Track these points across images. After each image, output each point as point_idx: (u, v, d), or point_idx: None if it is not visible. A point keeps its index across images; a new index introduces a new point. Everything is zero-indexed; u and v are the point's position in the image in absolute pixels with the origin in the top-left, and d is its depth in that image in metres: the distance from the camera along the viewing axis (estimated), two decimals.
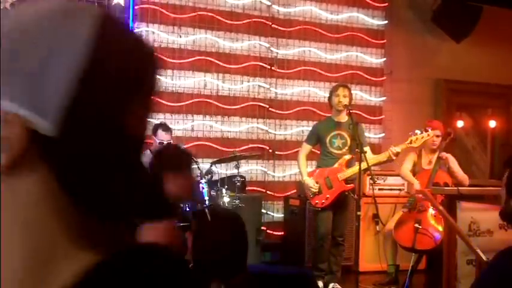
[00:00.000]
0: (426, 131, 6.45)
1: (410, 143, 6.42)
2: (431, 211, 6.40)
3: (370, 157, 6.42)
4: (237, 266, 2.74)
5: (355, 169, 6.40)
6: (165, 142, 6.80)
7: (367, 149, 6.56)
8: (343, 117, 6.59)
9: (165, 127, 6.91)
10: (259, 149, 8.13)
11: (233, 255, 2.71)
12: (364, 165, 6.15)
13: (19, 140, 0.75)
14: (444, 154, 6.66)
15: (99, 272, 0.77)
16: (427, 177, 6.56)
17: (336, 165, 6.50)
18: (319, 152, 6.82)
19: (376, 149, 8.23)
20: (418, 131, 6.43)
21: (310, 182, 6.52)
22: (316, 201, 6.53)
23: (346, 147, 6.55)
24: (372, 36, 8.96)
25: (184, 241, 3.34)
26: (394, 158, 6.40)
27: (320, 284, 6.51)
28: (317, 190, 6.48)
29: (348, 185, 6.47)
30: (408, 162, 6.93)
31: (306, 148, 6.77)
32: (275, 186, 8.23)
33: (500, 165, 9.88)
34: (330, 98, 6.66)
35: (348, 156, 6.52)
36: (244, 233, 2.84)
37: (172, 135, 7.02)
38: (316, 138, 6.71)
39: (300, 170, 6.77)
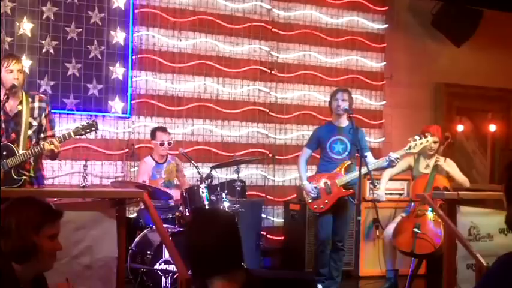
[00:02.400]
0: (425, 136, 6.42)
1: (410, 148, 6.40)
2: (430, 215, 6.39)
3: (371, 162, 6.40)
4: (233, 259, 2.73)
5: (353, 175, 6.39)
6: (166, 143, 6.83)
7: (368, 153, 6.53)
8: (344, 122, 6.57)
9: (163, 128, 7.03)
10: (259, 154, 8.13)
11: (225, 248, 2.71)
12: (364, 170, 6.13)
13: None
14: (440, 161, 6.62)
15: None
16: (425, 182, 6.54)
17: (335, 171, 6.49)
18: (319, 157, 6.80)
19: (376, 153, 8.22)
20: (417, 137, 6.39)
21: (309, 187, 6.50)
22: (315, 206, 6.51)
23: (346, 152, 6.52)
24: (372, 40, 8.96)
25: None
26: (394, 164, 6.38)
27: None
28: (316, 195, 6.47)
29: (347, 191, 6.46)
30: (397, 167, 6.89)
31: (306, 153, 6.75)
32: (275, 191, 8.23)
33: (501, 169, 9.89)
34: (330, 103, 6.65)
35: (347, 162, 6.50)
36: (235, 227, 2.84)
37: (172, 139, 7.05)
38: (316, 142, 6.69)
39: (300, 174, 6.75)
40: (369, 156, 6.52)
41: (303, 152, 6.80)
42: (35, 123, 5.14)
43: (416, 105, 9.28)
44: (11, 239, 2.80)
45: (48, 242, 2.89)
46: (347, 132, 6.50)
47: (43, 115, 5.19)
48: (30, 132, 5.11)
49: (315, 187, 6.47)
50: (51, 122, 5.28)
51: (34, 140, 5.14)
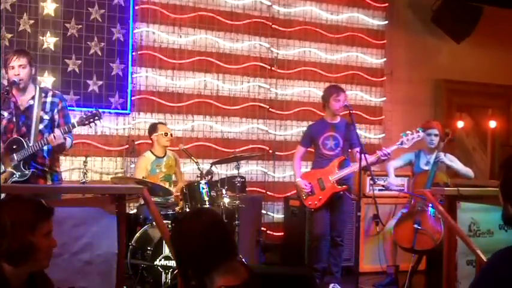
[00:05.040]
0: (417, 132, 6.47)
1: (401, 144, 6.46)
2: (430, 211, 6.40)
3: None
4: (223, 251, 2.75)
5: (347, 170, 6.46)
6: (169, 133, 6.84)
7: (359, 149, 6.59)
8: (336, 118, 6.61)
9: (162, 123, 7.12)
10: (259, 150, 8.13)
11: (212, 243, 2.73)
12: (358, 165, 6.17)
13: None
14: (441, 156, 6.62)
15: None
16: (426, 178, 6.54)
17: (328, 166, 6.52)
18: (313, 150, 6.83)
19: (376, 149, 8.21)
20: (409, 132, 6.47)
21: (302, 183, 6.56)
22: (309, 202, 6.56)
23: (339, 148, 6.56)
24: (372, 36, 8.95)
25: None
26: (384, 158, 6.41)
27: None
28: (309, 191, 6.51)
29: (340, 186, 6.49)
30: (400, 160, 6.95)
31: (300, 150, 6.80)
32: (275, 187, 8.23)
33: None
34: (326, 100, 6.62)
35: (341, 157, 6.54)
36: (216, 221, 2.87)
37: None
38: (310, 139, 6.74)
39: (294, 172, 6.82)
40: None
41: (297, 149, 6.86)
42: (46, 117, 5.14)
43: (417, 102, 9.28)
44: (6, 241, 2.74)
45: (45, 240, 2.83)
46: (340, 128, 6.54)
47: (55, 110, 5.18)
48: (41, 126, 5.11)
49: (309, 183, 6.51)
50: (65, 118, 5.22)
51: (47, 135, 5.12)
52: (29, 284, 2.90)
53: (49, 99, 5.19)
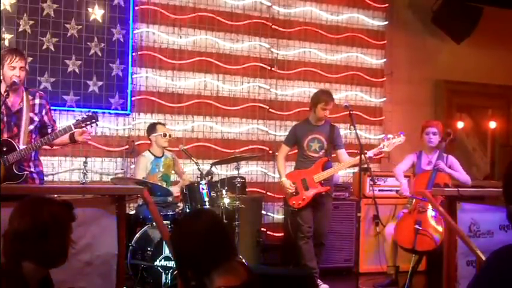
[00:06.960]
0: (399, 135, 6.55)
1: (382, 147, 6.55)
2: (431, 212, 6.39)
3: (347, 160, 6.65)
4: (223, 251, 2.75)
5: (330, 171, 6.63)
6: (167, 134, 6.85)
7: (343, 150, 6.75)
8: (321, 121, 6.70)
9: (161, 123, 7.12)
10: (259, 150, 8.13)
11: (212, 243, 2.73)
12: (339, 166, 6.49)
13: None
14: (440, 165, 6.60)
15: None
16: (427, 178, 6.54)
17: (313, 167, 6.63)
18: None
19: None
20: (390, 136, 6.59)
21: (287, 183, 6.65)
22: (293, 202, 6.66)
23: (323, 150, 6.66)
24: (372, 37, 8.95)
25: None
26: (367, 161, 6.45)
27: None
28: (294, 191, 6.55)
29: (324, 187, 6.60)
30: (404, 163, 6.96)
31: (284, 149, 6.92)
32: (275, 187, 8.21)
33: (501, 166, 9.89)
34: (314, 105, 6.67)
35: (325, 159, 6.64)
36: (216, 222, 2.88)
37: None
38: (294, 139, 6.85)
39: (279, 171, 6.93)
40: (344, 153, 6.76)
41: (281, 148, 6.97)
42: (36, 118, 5.16)
43: (417, 102, 9.28)
44: (48, 242, 2.74)
45: (72, 240, 2.88)
46: (324, 130, 6.63)
47: (43, 112, 5.22)
48: (31, 127, 5.13)
49: (293, 183, 6.60)
50: (54, 119, 5.36)
51: (34, 136, 5.14)
52: (42, 282, 2.91)
53: (37, 101, 5.23)
